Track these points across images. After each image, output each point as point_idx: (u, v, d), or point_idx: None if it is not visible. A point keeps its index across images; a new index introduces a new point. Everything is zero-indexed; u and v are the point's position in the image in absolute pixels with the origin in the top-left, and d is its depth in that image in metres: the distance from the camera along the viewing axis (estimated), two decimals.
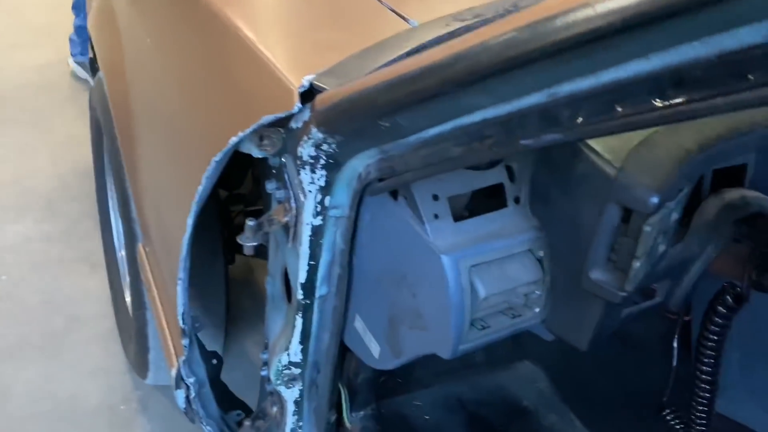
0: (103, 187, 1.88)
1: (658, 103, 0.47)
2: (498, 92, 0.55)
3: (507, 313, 0.83)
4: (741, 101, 0.44)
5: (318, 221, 0.85)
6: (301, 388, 1.05)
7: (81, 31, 2.94)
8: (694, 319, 1.37)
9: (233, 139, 0.79)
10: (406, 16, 0.89)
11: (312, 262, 0.89)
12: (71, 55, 3.10)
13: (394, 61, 0.69)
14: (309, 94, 0.74)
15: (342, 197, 0.83)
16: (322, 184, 0.81)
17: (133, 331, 1.54)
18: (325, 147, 0.75)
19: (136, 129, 1.22)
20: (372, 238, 0.87)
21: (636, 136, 0.69)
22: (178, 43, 1.04)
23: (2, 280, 2.07)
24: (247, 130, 0.77)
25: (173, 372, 1.07)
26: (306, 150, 0.76)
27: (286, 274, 0.97)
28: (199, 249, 1.44)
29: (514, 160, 0.82)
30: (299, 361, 1.01)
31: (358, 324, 0.96)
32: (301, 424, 1.09)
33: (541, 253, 0.80)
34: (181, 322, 1.01)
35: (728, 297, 0.90)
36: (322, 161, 0.77)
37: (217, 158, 0.82)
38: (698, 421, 1.02)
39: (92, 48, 1.80)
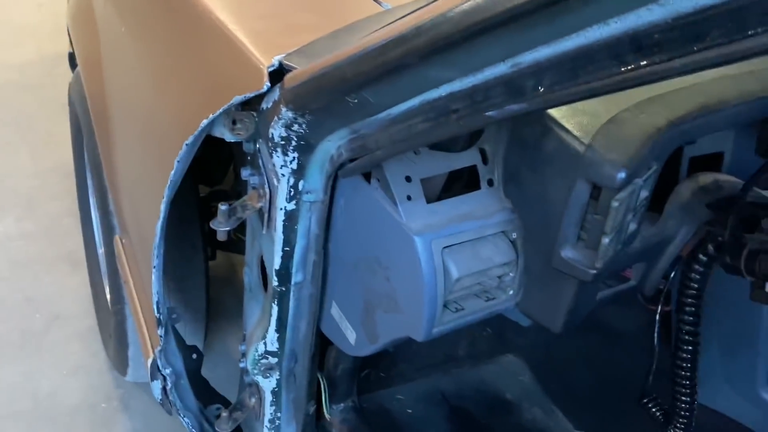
0: (83, 183, 1.86)
1: (618, 68, 0.47)
2: (462, 64, 0.55)
3: (481, 295, 0.82)
4: (698, 62, 0.44)
5: (292, 206, 0.84)
6: (279, 377, 1.04)
7: None
8: (674, 309, 1.38)
9: (204, 122, 0.78)
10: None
11: (287, 248, 0.89)
12: None
13: None
14: (279, 74, 0.74)
15: (315, 181, 0.82)
16: (295, 167, 0.80)
17: (113, 327, 1.53)
18: (295, 127, 0.74)
19: (111, 119, 1.21)
20: (346, 223, 0.86)
21: (605, 114, 0.69)
22: (151, 29, 1.03)
23: None
24: (218, 112, 0.76)
25: (149, 362, 1.06)
26: (277, 131, 0.75)
27: (263, 262, 0.96)
28: (179, 244, 1.43)
29: (487, 142, 0.82)
30: (276, 350, 1.00)
31: (335, 311, 0.95)
32: (279, 414, 1.08)
33: (514, 235, 0.79)
34: (156, 311, 1.00)
35: (710, 245, 0.89)
36: (294, 143, 0.77)
37: (188, 141, 0.82)
38: (681, 405, 1.02)
39: (71, 43, 1.78)
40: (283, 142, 0.77)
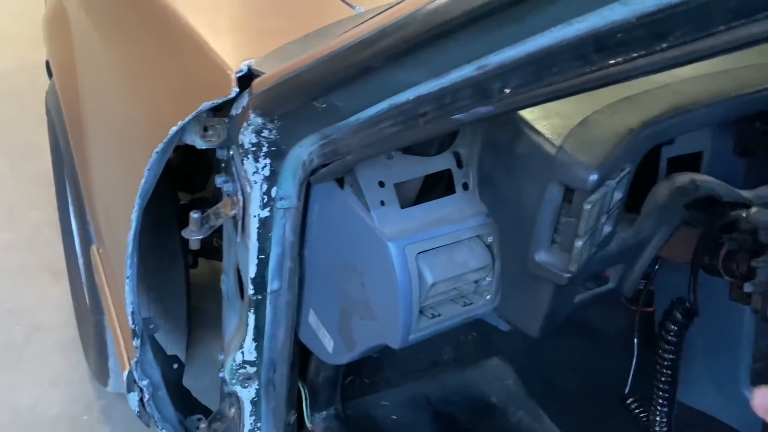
0: (63, 192, 1.84)
1: (584, 68, 0.46)
2: (428, 67, 0.54)
3: (458, 301, 0.81)
4: (663, 61, 0.43)
5: (265, 213, 0.83)
6: (258, 387, 1.02)
7: None
8: (657, 310, 1.38)
9: (173, 129, 0.77)
10: (351, 3, 0.88)
11: (262, 256, 0.87)
12: None
13: None
14: (249, 80, 0.73)
15: (289, 187, 0.81)
16: (267, 173, 0.79)
17: (93, 337, 1.51)
18: (266, 133, 0.73)
19: (85, 127, 1.19)
20: (321, 229, 0.85)
21: (578, 116, 0.69)
22: (123, 35, 1.02)
23: None
24: (187, 119, 0.75)
25: (125, 374, 1.04)
26: (247, 137, 0.74)
27: (239, 270, 0.95)
28: (158, 252, 1.41)
29: (462, 146, 0.81)
30: (254, 359, 0.99)
31: (312, 318, 0.94)
32: (259, 425, 1.06)
33: (490, 239, 0.79)
34: (131, 322, 0.99)
35: (677, 313, 0.90)
36: (265, 149, 0.76)
37: (158, 149, 0.80)
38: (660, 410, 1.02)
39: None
40: (254, 149, 0.76)
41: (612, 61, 0.45)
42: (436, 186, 0.85)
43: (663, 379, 0.95)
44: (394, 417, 1.49)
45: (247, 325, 0.95)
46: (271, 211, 0.83)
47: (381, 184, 0.76)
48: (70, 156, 1.33)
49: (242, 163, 0.79)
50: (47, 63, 2.08)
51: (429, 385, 1.56)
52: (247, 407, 1.04)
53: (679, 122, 0.71)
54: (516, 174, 0.70)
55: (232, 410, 1.07)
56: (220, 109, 0.78)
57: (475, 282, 0.80)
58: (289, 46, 0.74)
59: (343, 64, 0.57)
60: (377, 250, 0.74)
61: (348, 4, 0.88)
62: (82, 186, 1.27)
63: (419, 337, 0.79)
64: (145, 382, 1.06)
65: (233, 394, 1.04)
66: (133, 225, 0.88)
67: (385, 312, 0.77)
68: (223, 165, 0.87)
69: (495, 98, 0.51)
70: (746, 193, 0.95)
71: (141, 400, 1.07)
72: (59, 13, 1.41)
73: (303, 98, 0.63)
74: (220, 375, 1.05)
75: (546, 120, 0.68)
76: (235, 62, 0.74)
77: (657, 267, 1.09)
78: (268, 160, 0.77)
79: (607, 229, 0.72)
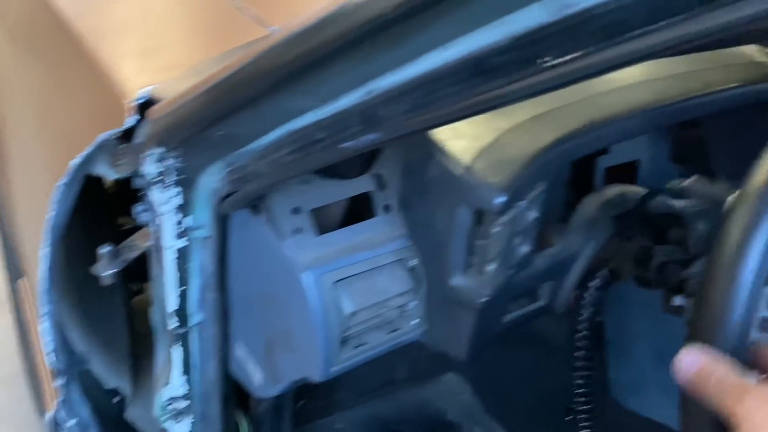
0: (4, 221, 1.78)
1: (466, 92, 0.44)
2: (316, 92, 0.52)
3: (384, 327, 0.79)
4: (539, 84, 0.41)
5: (182, 243, 0.80)
6: (193, 421, 0.98)
7: None
8: (607, 321, 1.37)
9: (75, 161, 0.73)
10: (267, 23, 0.85)
11: (182, 288, 0.84)
12: None
13: None
14: (151, 107, 0.69)
15: (204, 216, 0.78)
16: (179, 202, 0.76)
17: (28, 372, 1.45)
18: (169, 162, 0.70)
19: (8, 156, 1.14)
20: (241, 258, 0.82)
21: (488, 136, 0.67)
22: (36, 62, 0.97)
23: None
24: (86, 151, 0.72)
25: (47, 417, 0.99)
26: (150, 167, 0.71)
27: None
28: (95, 281, 1.36)
29: (384, 167, 0.79)
30: (185, 393, 0.95)
31: (240, 350, 0.90)
32: None
33: (413, 263, 0.76)
34: (51, 361, 0.94)
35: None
36: (172, 177, 0.72)
37: (62, 182, 0.77)
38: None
39: None
40: (160, 178, 0.72)
41: (491, 85, 0.43)
42: (366, 208, 0.83)
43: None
44: None
45: (173, 359, 0.92)
46: (187, 241, 0.80)
47: (296, 210, 0.73)
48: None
49: (151, 193, 0.75)
50: None
51: (384, 405, 1.53)
52: None
53: (593, 137, 0.70)
54: (428, 197, 0.68)
55: None
56: (129, 137, 0.75)
57: (400, 307, 0.77)
58: (193, 70, 0.71)
59: (230, 91, 0.54)
60: (292, 281, 0.71)
61: (263, 24, 0.85)
62: (6, 217, 1.22)
63: (343, 369, 0.76)
64: (72, 422, 1.01)
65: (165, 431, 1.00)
66: (45, 261, 0.84)
67: (303, 344, 0.74)
68: (139, 194, 0.83)
69: (383, 124, 0.49)
70: (679, 203, 0.94)
71: None
72: None
73: (195, 127, 0.61)
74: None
75: (456, 140, 0.66)
76: (135, 89, 0.71)
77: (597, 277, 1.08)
78: (178, 189, 0.74)
79: (524, 249, 0.70)
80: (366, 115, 0.50)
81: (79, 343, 1.29)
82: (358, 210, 0.82)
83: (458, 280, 0.66)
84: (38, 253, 1.05)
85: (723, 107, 0.88)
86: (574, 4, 0.37)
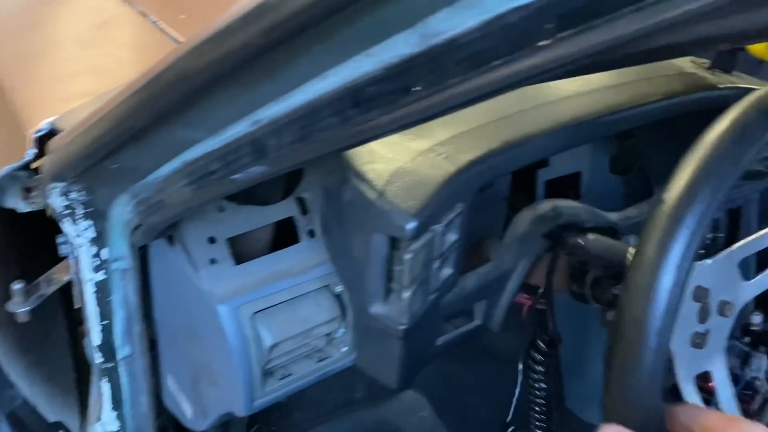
0: None
1: (347, 123, 0.43)
2: (202, 122, 0.49)
3: (313, 356, 0.76)
4: (417, 113, 0.40)
5: (100, 276, 0.77)
6: None
7: None
8: (562, 333, 1.35)
9: None
10: None
11: (105, 322, 0.81)
12: None
13: None
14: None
15: (121, 248, 0.75)
16: (93, 234, 0.73)
17: None
18: (74, 195, 0.67)
19: None
20: (162, 290, 0.79)
21: (405, 158, 0.65)
22: None
23: None
24: None
25: None
26: (55, 200, 0.68)
27: None
28: (34, 314, 1.32)
29: (308, 191, 0.77)
30: (117, 429, 0.91)
31: (171, 383, 0.87)
32: None
33: (339, 288, 0.74)
34: None
35: (540, 343, 0.88)
36: (81, 210, 0.69)
37: None
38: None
39: None
40: (68, 211, 0.69)
41: (373, 114, 0.41)
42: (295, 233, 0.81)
43: (538, 409, 0.93)
44: None
45: (102, 394, 0.88)
46: (106, 273, 0.77)
47: (212, 240, 0.70)
48: None
49: (64, 226, 0.72)
50: None
51: (342, 426, 1.51)
52: None
53: (512, 156, 0.68)
54: (345, 222, 0.66)
55: None
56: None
57: (328, 335, 0.75)
58: (99, 98, 0.69)
59: (118, 123, 0.52)
60: (208, 314, 0.69)
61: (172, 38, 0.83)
62: None
63: (268, 402, 0.73)
64: None
65: None
66: None
67: (225, 378, 0.71)
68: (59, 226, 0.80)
69: (269, 156, 0.47)
70: (614, 216, 0.93)
71: None
72: None
73: (88, 160, 0.58)
74: None
75: (372, 164, 0.64)
76: (38, 120, 0.68)
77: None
78: (89, 222, 0.71)
79: (446, 272, 0.68)
80: (255, 146, 0.48)
81: (18, 375, 1.24)
82: (287, 235, 0.79)
83: (377, 308, 0.64)
84: None
85: (654, 118, 0.87)
86: (439, 33, 0.35)
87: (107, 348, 0.83)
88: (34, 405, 1.15)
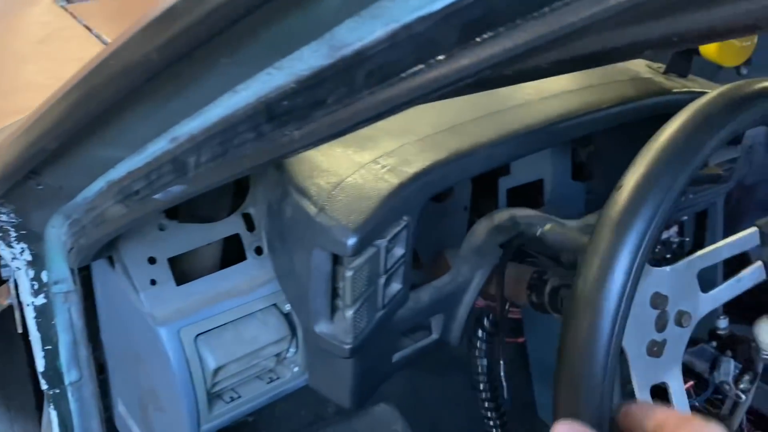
0: None
1: (263, 139, 0.41)
2: (122, 140, 0.47)
3: (263, 377, 0.74)
4: (327, 128, 0.38)
5: (41, 300, 0.74)
6: None
7: None
8: (528, 341, 1.34)
9: None
10: None
11: (48, 347, 0.78)
12: None
13: None
14: None
15: (60, 270, 0.72)
16: (29, 258, 0.70)
17: None
18: (4, 217, 0.64)
19: None
20: (106, 312, 0.76)
21: (348, 171, 0.63)
22: None
23: None
24: None
25: None
26: None
27: None
28: None
29: (254, 206, 0.74)
30: None
31: (121, 408, 0.84)
32: None
33: (288, 307, 0.72)
34: None
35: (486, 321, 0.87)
36: (13, 233, 0.67)
37: None
38: None
39: None
40: (0, 234, 0.67)
41: (285, 131, 0.39)
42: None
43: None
44: None
45: (51, 421, 0.85)
46: (47, 296, 0.74)
47: (152, 260, 0.68)
48: None
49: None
50: None
51: None
52: None
53: (461, 166, 0.66)
54: (287, 238, 0.64)
55: None
56: None
57: (277, 355, 0.73)
58: (28, 118, 0.66)
59: (35, 141, 0.50)
60: (150, 336, 0.66)
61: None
62: None
63: (217, 426, 0.70)
64: None
65: None
66: None
67: (170, 403, 0.68)
68: None
69: (189, 174, 0.45)
70: (574, 223, 0.92)
71: None
72: None
73: (11, 179, 0.55)
74: None
75: (313, 178, 0.62)
76: None
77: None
78: (24, 244, 0.68)
79: (394, 287, 0.66)
80: (176, 164, 0.46)
81: None
82: (240, 252, 0.77)
83: (322, 327, 0.62)
84: None
85: (609, 124, 0.86)
86: (348, 44, 0.34)
87: (52, 374, 0.80)
88: None
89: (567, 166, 1.10)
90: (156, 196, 0.47)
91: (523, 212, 0.86)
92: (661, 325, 0.66)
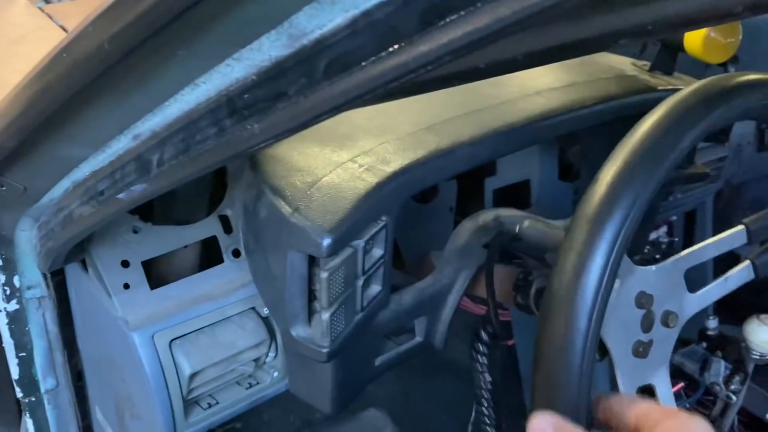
0: None
1: (225, 132, 0.39)
2: (84, 137, 0.46)
3: (242, 382, 0.72)
4: (288, 121, 0.36)
5: (14, 306, 0.72)
6: None
7: None
8: (517, 343, 1.33)
9: None
10: None
11: (22, 354, 0.76)
12: None
13: None
14: None
15: (33, 275, 0.71)
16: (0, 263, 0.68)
17: None
18: None
19: None
20: (81, 317, 0.74)
21: (324, 170, 0.62)
22: None
23: None
24: None
25: None
26: None
27: None
28: None
29: (231, 207, 0.73)
30: None
31: (99, 415, 0.82)
32: None
33: (266, 311, 0.70)
34: None
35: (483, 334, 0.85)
36: None
37: None
38: None
39: None
40: None
41: (249, 122, 0.38)
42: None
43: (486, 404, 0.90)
44: None
45: (27, 430, 0.83)
46: (19, 302, 0.72)
47: (125, 263, 0.66)
48: None
49: None
50: None
51: None
52: None
53: (441, 165, 0.65)
54: (263, 240, 0.63)
55: None
56: None
57: (256, 360, 0.71)
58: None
59: None
60: (123, 342, 0.64)
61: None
62: None
63: None
64: None
65: None
66: None
67: (145, 409, 0.67)
68: None
69: (153, 172, 0.43)
70: (560, 223, 0.91)
71: None
72: None
73: None
74: None
75: (289, 177, 0.61)
76: None
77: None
78: None
79: (374, 289, 0.64)
80: (139, 162, 0.44)
81: None
82: (217, 256, 0.75)
83: (299, 330, 0.60)
84: None
85: (592, 122, 0.85)
86: (307, 33, 0.32)
87: (27, 381, 0.79)
88: None
89: (554, 167, 1.09)
90: (120, 196, 0.45)
91: (507, 212, 0.84)
92: (647, 326, 0.65)
